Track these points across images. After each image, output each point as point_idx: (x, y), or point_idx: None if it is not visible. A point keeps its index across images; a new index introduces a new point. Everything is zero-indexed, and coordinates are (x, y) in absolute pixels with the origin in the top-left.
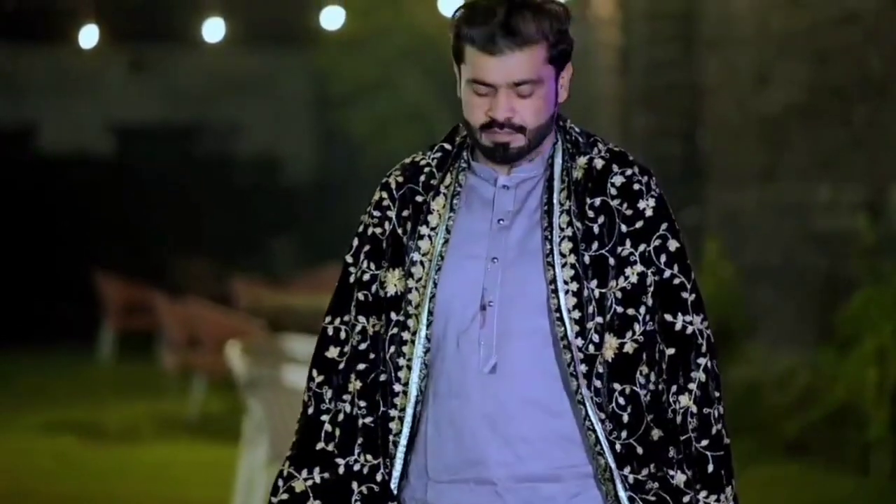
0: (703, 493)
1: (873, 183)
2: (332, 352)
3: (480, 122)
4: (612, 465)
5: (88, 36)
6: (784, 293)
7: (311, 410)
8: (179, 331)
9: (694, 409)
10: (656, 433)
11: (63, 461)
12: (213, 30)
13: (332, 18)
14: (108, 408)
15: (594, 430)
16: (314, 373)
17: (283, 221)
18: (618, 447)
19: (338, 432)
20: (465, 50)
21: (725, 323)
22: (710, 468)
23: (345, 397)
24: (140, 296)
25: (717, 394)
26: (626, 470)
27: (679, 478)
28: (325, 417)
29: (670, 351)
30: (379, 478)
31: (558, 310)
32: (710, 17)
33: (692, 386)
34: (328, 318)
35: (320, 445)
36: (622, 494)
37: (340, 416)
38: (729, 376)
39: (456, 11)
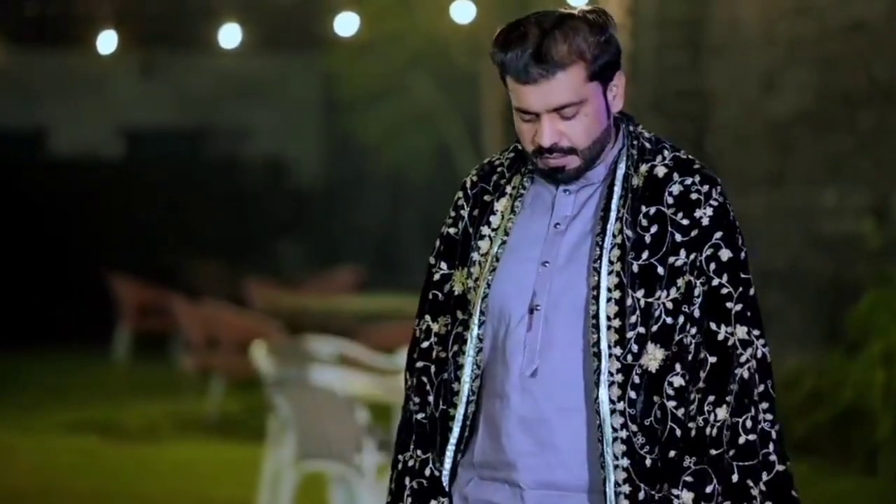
0: None
1: (879, 188)
2: (416, 353)
3: (531, 149)
4: (621, 479)
5: (107, 42)
6: (791, 296)
7: (403, 412)
8: (198, 332)
9: (729, 421)
10: (680, 444)
11: (87, 459)
12: (230, 36)
13: (346, 25)
14: (127, 408)
15: (602, 442)
16: (407, 375)
17: (290, 224)
18: (648, 462)
19: (403, 431)
20: (506, 75)
21: None
22: (735, 478)
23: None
24: (155, 298)
25: (759, 407)
26: (650, 486)
27: (685, 496)
28: (405, 417)
29: (712, 359)
30: (427, 472)
31: (595, 316)
32: (718, 24)
33: (729, 398)
34: (416, 322)
35: (399, 446)
36: None
37: (407, 415)
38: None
39: (493, 40)
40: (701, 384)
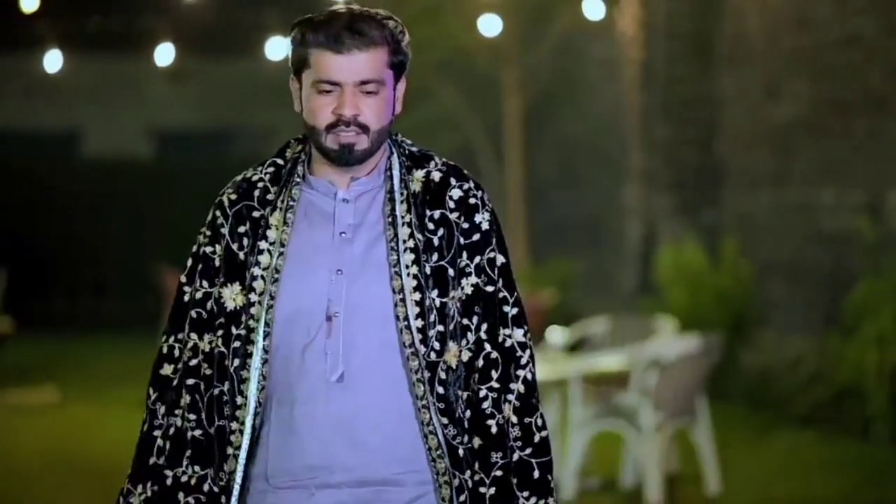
0: (532, 500)
1: (873, 187)
2: (167, 369)
3: (327, 122)
4: (450, 468)
5: (164, 54)
6: (793, 286)
7: (145, 427)
8: None
9: (514, 419)
10: (476, 441)
11: None
12: (276, 48)
13: None
14: None
15: (436, 434)
16: (150, 390)
17: None
18: (461, 452)
19: (168, 446)
20: (311, 53)
21: (741, 313)
22: (537, 474)
23: (176, 412)
24: None
25: (538, 404)
26: (467, 474)
27: (489, 491)
28: (157, 433)
29: (501, 361)
30: (206, 488)
31: (406, 318)
32: (724, 36)
33: (511, 397)
34: (164, 337)
35: (152, 460)
36: (457, 499)
37: (171, 430)
38: (745, 361)
39: (294, 26)
40: (495, 383)
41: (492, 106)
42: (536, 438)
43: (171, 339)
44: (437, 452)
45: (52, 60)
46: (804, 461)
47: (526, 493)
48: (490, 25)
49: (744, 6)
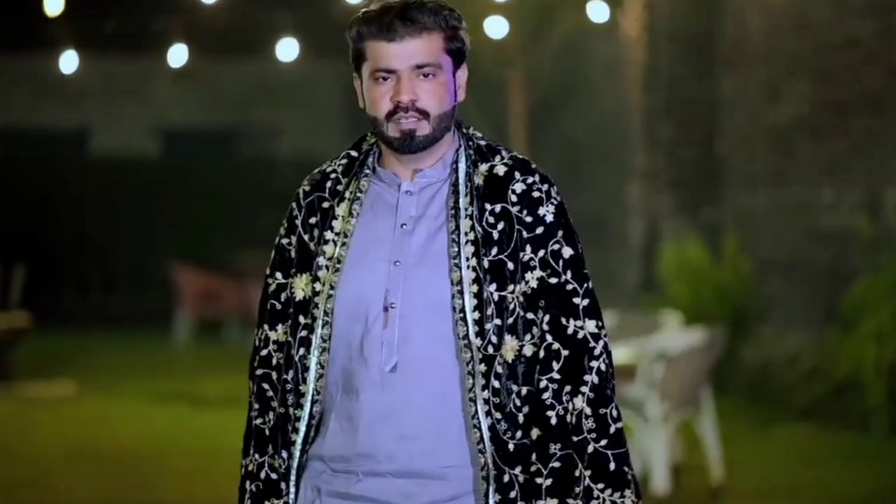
0: (607, 492)
1: (871, 186)
2: (256, 361)
3: (387, 110)
4: (490, 464)
5: (178, 55)
6: (793, 283)
7: (247, 418)
8: None
9: (588, 410)
10: (535, 432)
11: (183, 422)
12: (287, 49)
13: None
14: (201, 381)
15: (479, 428)
16: (250, 383)
17: None
18: (510, 446)
19: (245, 437)
20: (366, 46)
21: (741, 309)
22: (612, 466)
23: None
24: (214, 285)
25: (615, 397)
26: (518, 469)
27: (553, 481)
28: (248, 423)
29: (565, 352)
30: (263, 475)
31: (462, 310)
32: (726, 38)
33: (584, 389)
34: (256, 331)
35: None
36: (492, 499)
37: (248, 421)
38: (745, 356)
39: (350, 25)
40: (555, 374)
41: (497, 106)
42: (612, 430)
43: (258, 331)
44: (479, 447)
45: (69, 61)
46: (804, 452)
47: (601, 486)
48: (496, 27)
49: (745, 9)
